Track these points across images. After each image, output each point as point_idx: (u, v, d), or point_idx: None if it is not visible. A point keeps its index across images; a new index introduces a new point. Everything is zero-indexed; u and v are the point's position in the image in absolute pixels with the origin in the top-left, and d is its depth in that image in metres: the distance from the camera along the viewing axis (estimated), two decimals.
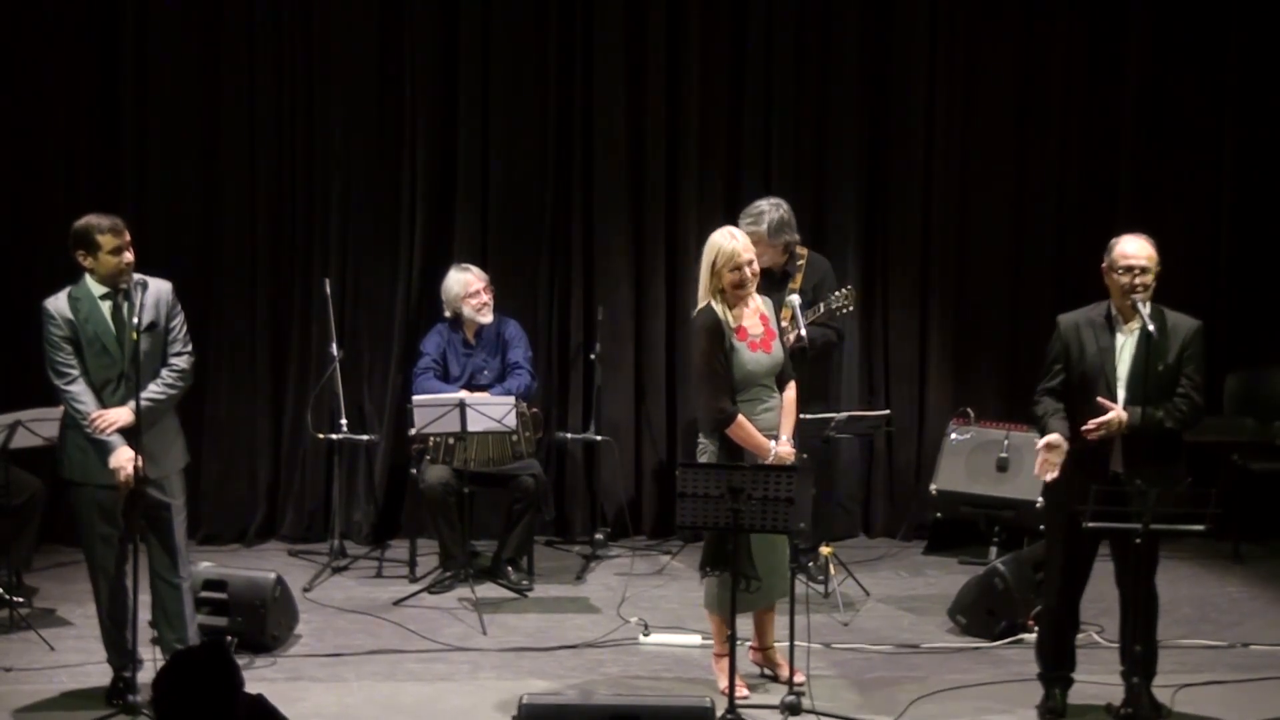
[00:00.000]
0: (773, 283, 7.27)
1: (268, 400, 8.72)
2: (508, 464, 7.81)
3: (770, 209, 7.39)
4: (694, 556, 8.33)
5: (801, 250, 7.54)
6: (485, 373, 7.98)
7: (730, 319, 6.12)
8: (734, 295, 6.11)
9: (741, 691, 6.06)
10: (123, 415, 5.93)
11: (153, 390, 5.99)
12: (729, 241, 6.11)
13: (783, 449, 6.13)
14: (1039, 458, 5.83)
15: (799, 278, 7.44)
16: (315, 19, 8.63)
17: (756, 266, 6.14)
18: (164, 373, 6.05)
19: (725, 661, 5.94)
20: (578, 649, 6.92)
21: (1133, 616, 5.94)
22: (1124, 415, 5.74)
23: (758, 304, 6.21)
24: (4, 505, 7.27)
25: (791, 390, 6.27)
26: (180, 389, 6.11)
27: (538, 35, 8.71)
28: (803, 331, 6.43)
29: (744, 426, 6.11)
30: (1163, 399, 5.82)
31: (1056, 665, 6.11)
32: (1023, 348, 8.90)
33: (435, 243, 8.70)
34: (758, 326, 6.14)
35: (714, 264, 6.10)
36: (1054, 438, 5.81)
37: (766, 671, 6.47)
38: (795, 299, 6.97)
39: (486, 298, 8.04)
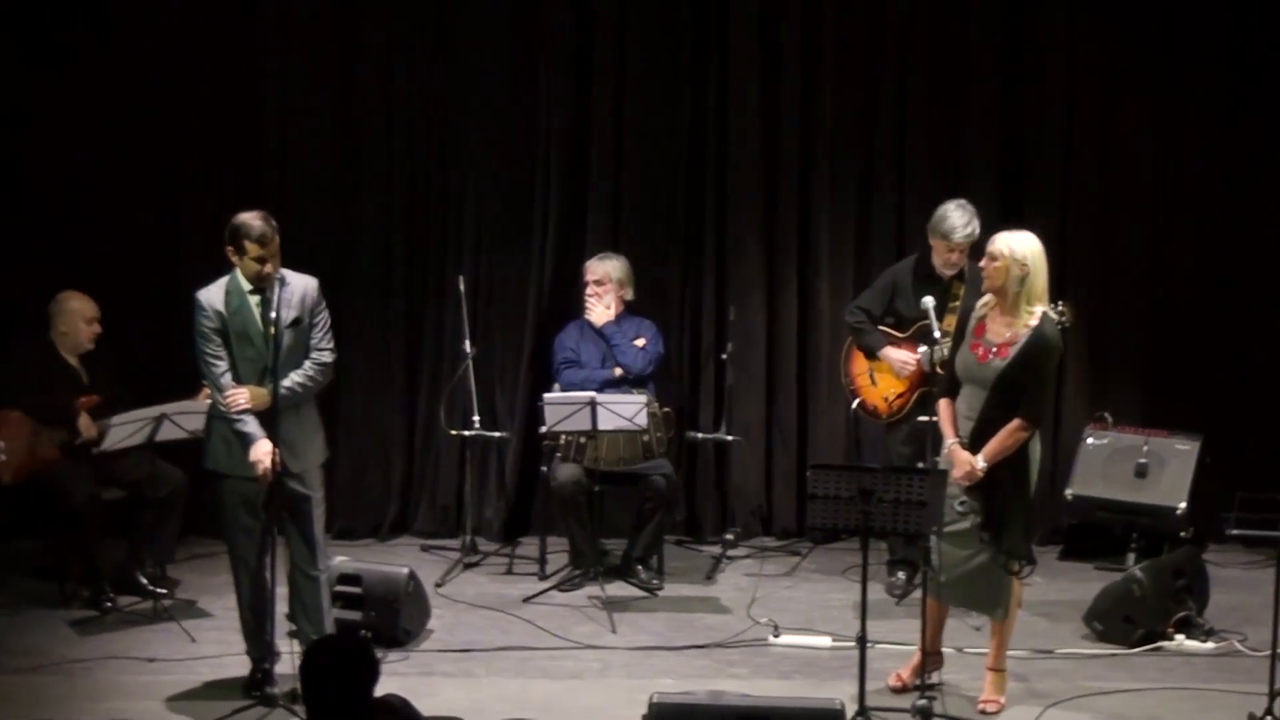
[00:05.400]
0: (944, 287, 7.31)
1: (402, 397, 8.82)
2: (638, 463, 7.82)
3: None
4: (825, 558, 8.34)
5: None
6: (616, 352, 7.95)
7: (980, 315, 6.14)
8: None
9: (895, 683, 6.25)
10: (258, 395, 6.03)
11: (293, 378, 6.10)
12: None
13: (957, 452, 6.05)
14: None
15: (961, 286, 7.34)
16: (451, 22, 8.72)
17: (995, 266, 6.05)
18: (306, 364, 6.16)
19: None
20: (707, 649, 6.92)
21: None
22: None
23: (1020, 323, 6.06)
24: (149, 497, 7.45)
25: (1013, 424, 6.00)
26: (319, 382, 6.22)
27: (672, 35, 8.71)
28: (936, 334, 6.38)
29: (938, 409, 6.22)
30: None
31: None
32: (1164, 353, 8.75)
33: (568, 242, 8.74)
34: (1001, 336, 6.05)
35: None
36: None
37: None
38: (930, 300, 6.91)
39: (592, 291, 8.01)
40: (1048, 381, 6.22)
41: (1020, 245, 6.05)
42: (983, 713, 6.17)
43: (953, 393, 6.19)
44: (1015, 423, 6.00)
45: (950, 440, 6.08)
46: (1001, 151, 8.73)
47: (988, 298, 6.15)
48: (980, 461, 5.99)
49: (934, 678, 6.27)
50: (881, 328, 7.57)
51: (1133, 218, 8.76)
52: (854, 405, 7.78)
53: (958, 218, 7.30)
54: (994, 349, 6.05)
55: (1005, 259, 6.03)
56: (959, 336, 6.20)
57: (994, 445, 6.00)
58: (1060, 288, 8.66)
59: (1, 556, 7.64)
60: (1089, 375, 8.78)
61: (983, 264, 6.13)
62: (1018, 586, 6.23)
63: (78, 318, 7.55)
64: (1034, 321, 6.04)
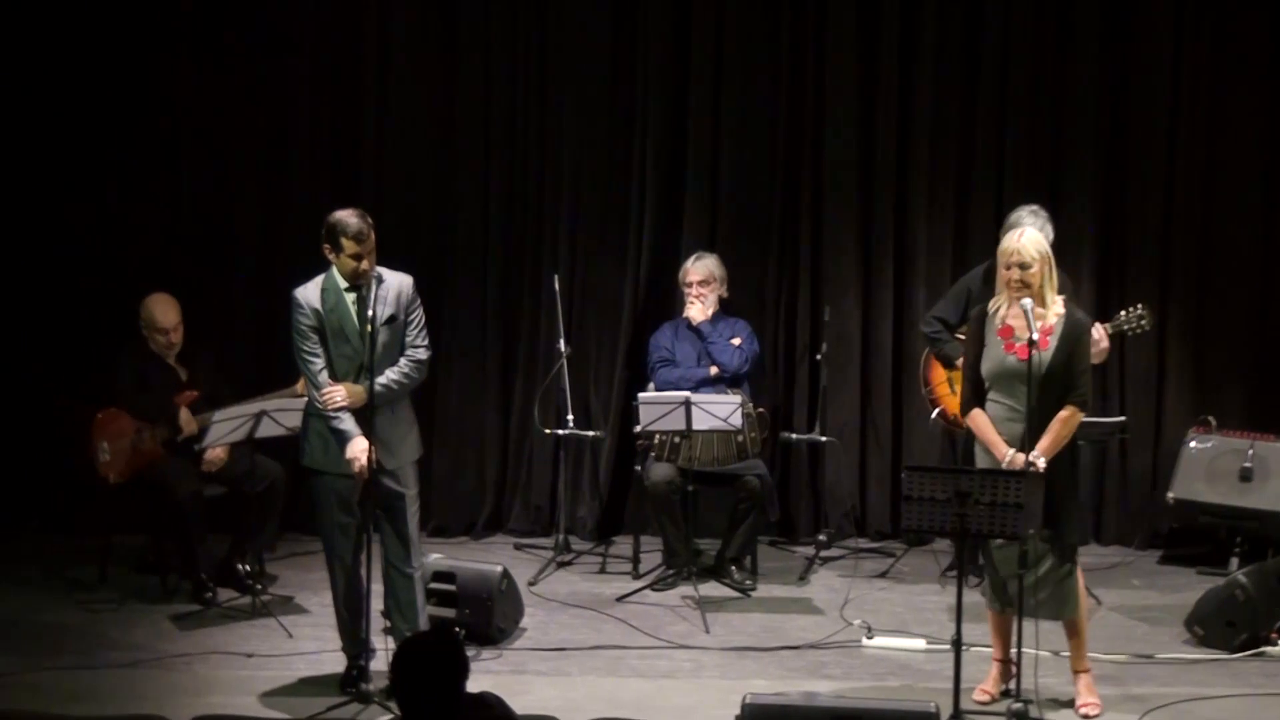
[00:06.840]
0: None
1: (497, 395, 8.86)
2: (733, 463, 7.80)
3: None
4: (919, 560, 8.28)
5: None
6: (712, 350, 7.95)
7: (1000, 317, 6.07)
8: (1010, 294, 6.07)
9: (982, 698, 6.15)
10: (354, 392, 6.08)
11: (389, 375, 6.15)
12: (1008, 240, 6.12)
13: (1017, 459, 5.96)
14: None
15: None
16: (550, 21, 8.75)
17: (1031, 273, 6.00)
18: (401, 361, 6.21)
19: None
20: (800, 650, 6.90)
21: None
22: None
23: (1050, 312, 6.04)
24: (248, 492, 7.54)
25: (1066, 411, 6.00)
26: (414, 380, 6.26)
27: (769, 37, 8.67)
28: (1034, 335, 6.32)
29: (975, 421, 6.11)
30: None
31: None
32: (1269, 355, 8.57)
33: (663, 242, 8.74)
34: (1028, 332, 5.99)
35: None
36: None
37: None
38: (1028, 302, 6.87)
39: (697, 293, 8.00)
40: (1089, 362, 6.18)
41: (1042, 244, 6.09)
42: (1085, 717, 6.10)
43: (981, 402, 6.13)
44: (1069, 410, 6.00)
45: (1010, 452, 5.98)
46: (1103, 151, 8.60)
47: (1000, 299, 6.10)
48: (1041, 460, 5.93)
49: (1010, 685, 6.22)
50: (959, 335, 7.52)
51: (1237, 218, 8.59)
52: (934, 415, 7.74)
53: (1033, 225, 7.24)
54: (1027, 342, 6.00)
55: (1039, 262, 6.03)
56: (975, 344, 6.13)
57: (1051, 439, 5.97)
58: (1164, 289, 8.60)
59: (106, 552, 7.76)
60: (1192, 379, 8.63)
61: (1013, 275, 6.05)
62: (1080, 583, 6.17)
63: (151, 328, 7.61)
64: (1060, 309, 6.07)
